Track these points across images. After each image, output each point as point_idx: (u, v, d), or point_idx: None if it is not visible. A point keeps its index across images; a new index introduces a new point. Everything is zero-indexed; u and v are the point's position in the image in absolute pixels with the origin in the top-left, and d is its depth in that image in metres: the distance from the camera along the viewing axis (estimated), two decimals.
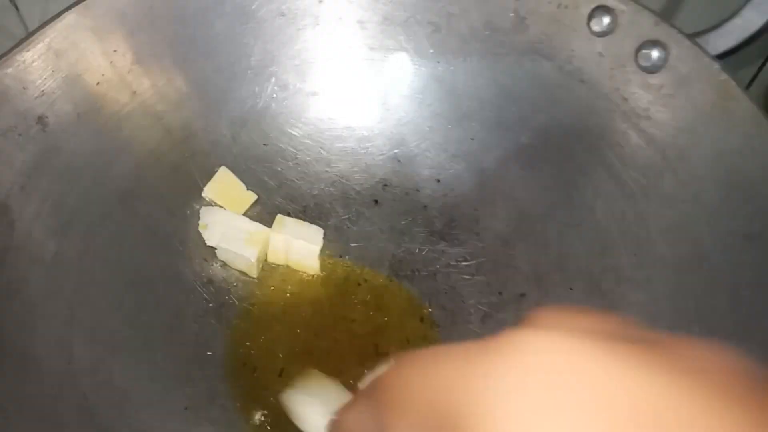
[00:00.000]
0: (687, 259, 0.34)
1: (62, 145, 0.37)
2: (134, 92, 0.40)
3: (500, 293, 0.41)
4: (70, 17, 0.35)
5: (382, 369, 0.17)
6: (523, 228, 0.42)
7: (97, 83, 0.38)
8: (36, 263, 0.34)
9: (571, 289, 0.39)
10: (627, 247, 0.37)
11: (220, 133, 0.44)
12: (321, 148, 0.46)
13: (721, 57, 0.34)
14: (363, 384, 0.20)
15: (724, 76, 0.33)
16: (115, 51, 0.38)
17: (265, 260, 0.42)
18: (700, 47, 0.34)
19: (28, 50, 0.34)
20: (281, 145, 0.45)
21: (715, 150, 0.34)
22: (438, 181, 0.45)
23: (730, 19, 0.34)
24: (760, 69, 0.51)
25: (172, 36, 0.40)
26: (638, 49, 0.37)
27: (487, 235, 0.43)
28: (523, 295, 0.40)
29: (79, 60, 0.37)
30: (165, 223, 0.41)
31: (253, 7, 0.41)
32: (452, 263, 0.42)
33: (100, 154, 0.39)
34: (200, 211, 0.42)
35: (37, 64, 0.35)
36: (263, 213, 0.43)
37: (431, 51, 0.45)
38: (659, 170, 0.36)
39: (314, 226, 0.42)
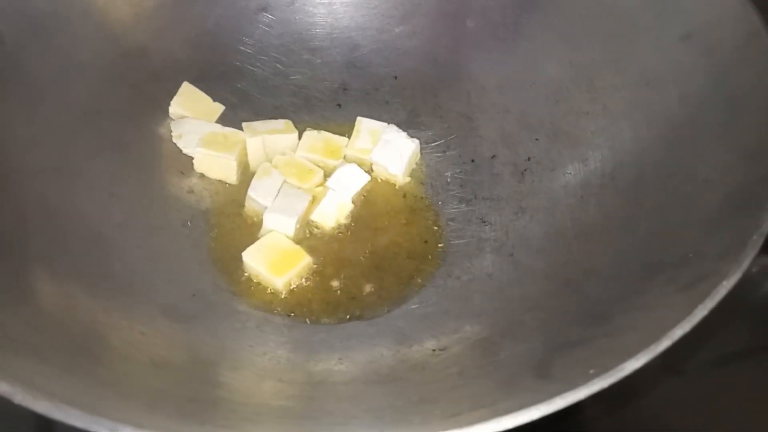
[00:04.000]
0: (633, 78, 0.37)
1: (22, 62, 0.36)
2: (85, 13, 0.40)
3: (473, 160, 0.43)
4: None
5: None
6: (483, 101, 0.45)
7: (51, 2, 0.37)
8: (14, 172, 0.33)
9: (536, 139, 0.42)
10: (580, 88, 0.40)
11: (175, 55, 0.44)
12: (276, 62, 0.47)
13: None
14: None
15: None
16: None
17: (244, 164, 0.42)
18: None
19: None
20: (237, 63, 0.46)
21: None
22: (395, 77, 0.47)
23: None
24: None
25: None
26: None
27: (450, 115, 0.45)
28: (494, 156, 0.43)
29: None
30: (136, 140, 0.41)
31: None
32: (423, 146, 0.44)
33: (59, 73, 0.38)
34: (171, 124, 0.42)
35: None
36: (229, 125, 0.44)
37: None
38: (596, 14, 0.40)
39: (281, 120, 0.43)
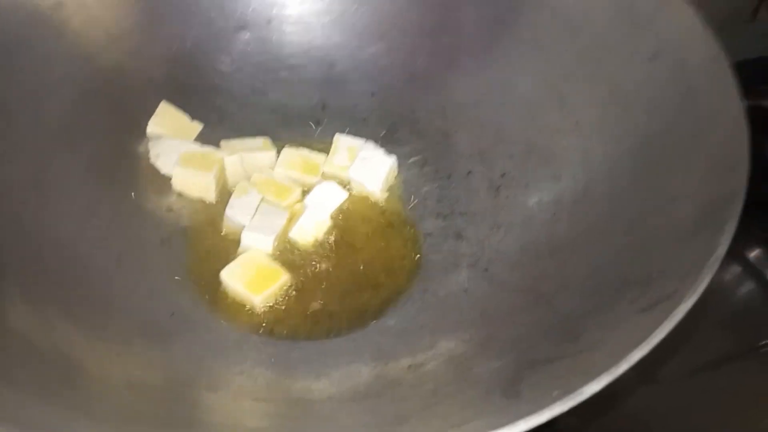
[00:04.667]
0: (604, 95, 0.38)
1: None
2: (60, 34, 0.40)
3: (449, 176, 0.44)
4: None
5: None
6: (459, 117, 0.46)
7: (24, 23, 0.38)
8: None
9: (511, 156, 0.42)
10: (552, 105, 0.41)
11: (153, 73, 0.44)
12: (255, 80, 0.47)
13: None
14: None
15: None
16: None
17: (222, 182, 0.42)
18: None
19: None
20: (215, 81, 0.46)
21: (611, 1, 0.39)
22: (372, 94, 0.48)
23: None
24: None
25: None
26: None
27: (427, 131, 0.46)
28: (470, 172, 0.44)
29: None
30: (114, 159, 0.41)
31: None
32: (401, 161, 0.45)
33: (34, 91, 0.38)
34: (149, 144, 0.42)
35: None
36: (209, 144, 0.44)
37: None
38: (568, 33, 0.41)
39: (259, 138, 0.43)
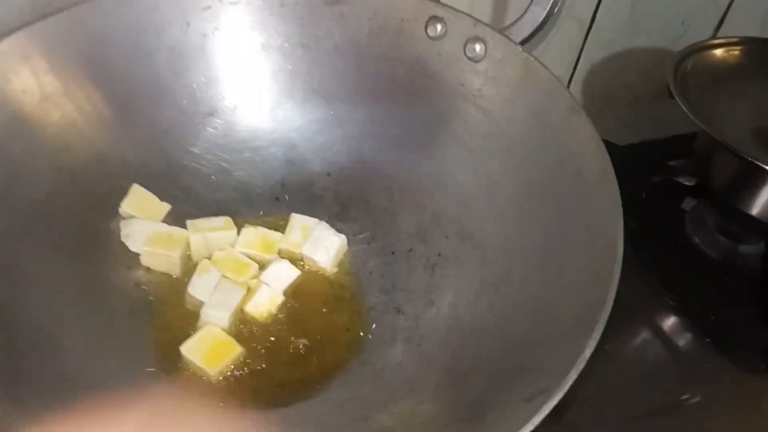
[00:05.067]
0: (523, 191, 0.44)
1: None
2: (44, 127, 0.45)
3: (393, 252, 0.49)
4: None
5: None
6: (403, 199, 0.51)
7: (8, 119, 0.42)
8: None
9: (447, 237, 0.48)
10: (481, 195, 0.47)
11: (127, 157, 0.49)
12: (221, 160, 0.52)
13: (523, 42, 0.46)
14: None
15: (526, 55, 0.45)
16: (23, 91, 0.42)
17: (187, 258, 0.47)
18: (508, 37, 0.46)
19: None
20: (184, 162, 0.51)
21: (529, 109, 0.45)
22: (328, 174, 0.53)
23: (523, 15, 0.46)
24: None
25: (82, 73, 0.45)
26: (465, 45, 0.48)
27: (375, 210, 0.51)
28: (411, 250, 0.49)
29: None
30: (85, 236, 0.45)
31: (146, 45, 0.48)
32: (351, 237, 0.50)
33: (11, 177, 0.42)
34: (120, 224, 0.46)
35: None
36: (176, 221, 0.48)
37: (306, 68, 0.53)
38: (494, 133, 0.47)
39: (221, 218, 0.48)
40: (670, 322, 0.55)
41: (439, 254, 0.47)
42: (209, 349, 0.41)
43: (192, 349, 0.41)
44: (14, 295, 0.38)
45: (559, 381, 0.27)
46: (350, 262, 0.49)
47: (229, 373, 0.41)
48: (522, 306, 0.38)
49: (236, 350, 0.41)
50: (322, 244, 0.48)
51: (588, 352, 0.28)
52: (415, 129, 0.52)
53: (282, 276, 0.46)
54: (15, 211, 0.42)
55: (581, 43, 0.71)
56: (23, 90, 0.42)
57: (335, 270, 0.48)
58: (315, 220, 0.49)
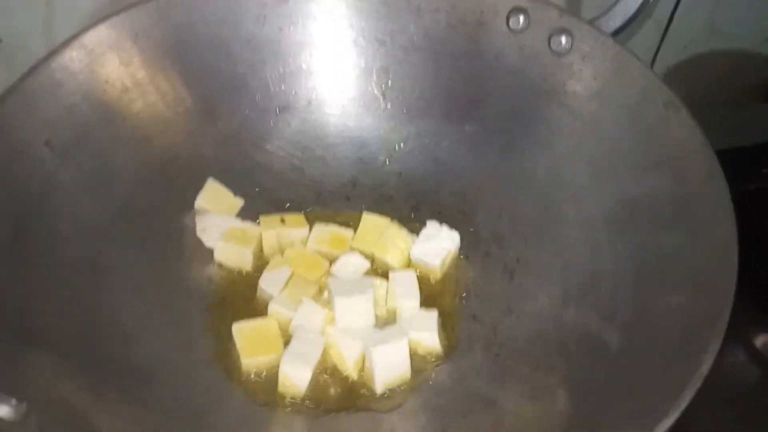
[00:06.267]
0: (613, 195, 0.41)
1: (67, 166, 0.41)
2: (128, 117, 0.45)
3: (467, 257, 0.47)
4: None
5: None
6: (478, 201, 0.49)
7: (93, 109, 0.43)
8: (55, 268, 0.37)
9: (526, 241, 0.45)
10: (565, 197, 0.44)
11: (202, 152, 0.49)
12: (293, 158, 0.52)
13: (615, 34, 0.43)
14: None
15: (618, 48, 0.42)
16: (108, 80, 0.43)
17: (259, 254, 0.46)
18: (597, 29, 0.43)
19: (34, 77, 0.39)
20: (257, 158, 0.51)
21: (620, 106, 0.42)
22: (400, 174, 0.52)
23: (615, 4, 0.43)
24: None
25: (165, 64, 0.45)
26: (550, 38, 0.45)
27: (448, 212, 0.49)
28: (487, 254, 0.47)
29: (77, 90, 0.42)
30: (163, 233, 0.45)
31: (224, 37, 0.48)
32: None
33: (99, 173, 0.43)
34: (196, 218, 0.46)
35: (42, 92, 0.39)
36: (248, 216, 0.48)
37: (380, 64, 0.52)
38: (580, 133, 0.44)
39: (294, 214, 0.47)
40: (763, 340, 0.51)
41: (518, 260, 0.45)
42: (254, 340, 0.39)
43: (242, 331, 0.40)
44: (98, 290, 0.39)
45: (674, 400, 0.25)
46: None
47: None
48: (614, 317, 0.36)
49: (277, 352, 0.40)
50: (435, 244, 0.45)
51: (705, 369, 0.26)
52: (494, 128, 0.49)
53: (353, 267, 0.44)
54: (102, 204, 0.42)
55: (657, 44, 0.67)
56: (108, 79, 0.43)
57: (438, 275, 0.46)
58: (387, 219, 0.48)
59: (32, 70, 0.39)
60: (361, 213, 0.49)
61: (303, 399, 0.39)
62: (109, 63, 0.43)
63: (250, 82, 0.50)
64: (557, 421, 0.33)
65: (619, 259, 0.39)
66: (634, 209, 0.39)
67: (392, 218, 0.49)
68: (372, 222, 0.48)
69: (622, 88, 0.42)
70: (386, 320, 0.43)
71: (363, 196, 0.51)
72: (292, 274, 0.44)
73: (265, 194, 0.50)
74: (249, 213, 0.48)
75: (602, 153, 0.43)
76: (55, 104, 0.41)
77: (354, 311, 0.41)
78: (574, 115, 0.45)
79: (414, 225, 0.49)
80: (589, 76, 0.44)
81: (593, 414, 0.30)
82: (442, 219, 0.49)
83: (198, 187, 0.48)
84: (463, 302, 0.44)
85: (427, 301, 0.44)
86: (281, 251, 0.46)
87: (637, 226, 0.39)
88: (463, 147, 0.50)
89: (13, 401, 0.25)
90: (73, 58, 0.41)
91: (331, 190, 0.51)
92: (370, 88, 0.52)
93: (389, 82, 0.52)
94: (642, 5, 0.41)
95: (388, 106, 0.52)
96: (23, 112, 0.39)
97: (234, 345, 0.40)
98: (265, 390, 0.39)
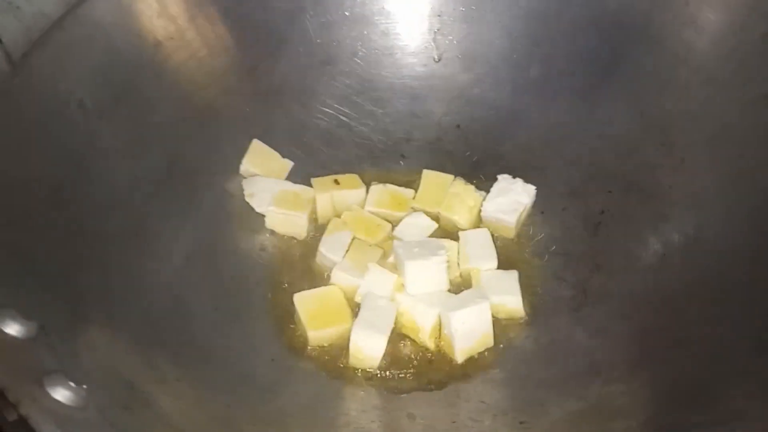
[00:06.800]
0: (712, 133, 0.36)
1: (102, 129, 0.37)
2: (160, 74, 0.41)
3: (542, 212, 0.43)
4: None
5: None
6: (548, 152, 0.44)
7: (127, 64, 0.39)
8: (96, 238, 0.34)
9: (610, 192, 0.41)
10: (653, 140, 0.39)
11: (243, 111, 0.45)
12: (340, 114, 0.47)
13: None
14: None
15: None
16: (154, 26, 0.39)
17: (313, 220, 0.42)
18: None
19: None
20: (302, 117, 0.47)
21: (718, 31, 0.37)
22: (458, 126, 0.47)
23: None
24: None
25: (209, 11, 0.41)
26: None
27: (515, 165, 0.45)
28: (564, 209, 0.42)
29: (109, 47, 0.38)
30: (208, 199, 0.41)
31: None
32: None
33: (135, 137, 0.39)
34: (243, 183, 0.42)
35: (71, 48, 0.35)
36: (298, 180, 0.44)
37: (430, 7, 0.47)
38: (668, 65, 0.39)
39: (349, 175, 0.43)
40: None
41: (602, 212, 0.40)
42: (319, 310, 0.36)
43: (304, 301, 0.36)
44: (146, 259, 0.35)
45: None
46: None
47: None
48: (732, 268, 0.31)
49: (346, 323, 0.36)
50: (509, 199, 0.41)
51: None
52: (560, 68, 0.44)
53: (418, 230, 0.40)
54: (143, 169, 0.39)
55: None
56: (142, 32, 0.39)
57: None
58: (450, 176, 0.44)
59: (58, 23, 0.35)
60: (419, 171, 0.45)
61: (377, 371, 0.35)
62: (142, 14, 0.39)
63: (289, 34, 0.46)
64: (672, 389, 0.28)
65: (729, 205, 0.34)
66: (744, 146, 0.34)
67: (454, 176, 0.44)
68: (434, 179, 0.44)
69: (718, 5, 0.36)
70: (460, 284, 0.39)
71: (419, 152, 0.47)
72: (353, 239, 0.40)
73: (313, 155, 0.46)
74: (298, 176, 0.44)
75: (698, 86, 0.38)
76: (86, 61, 0.37)
77: (426, 275, 0.37)
78: (663, 49, 0.40)
79: (478, 182, 0.44)
80: (680, 2, 0.38)
81: (733, 375, 0.26)
82: (510, 174, 0.45)
83: (242, 150, 0.44)
84: (544, 261, 0.40)
85: (503, 262, 0.40)
86: (337, 215, 0.42)
87: (749, 166, 0.34)
88: (528, 93, 0.46)
89: (72, 384, 0.22)
90: (102, 9, 0.37)
91: (383, 148, 0.47)
92: (420, 35, 0.47)
93: (441, 26, 0.47)
94: None
95: (442, 53, 0.47)
96: (53, 70, 0.35)
97: (297, 317, 0.36)
98: (335, 363, 0.35)
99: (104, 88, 0.38)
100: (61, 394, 0.22)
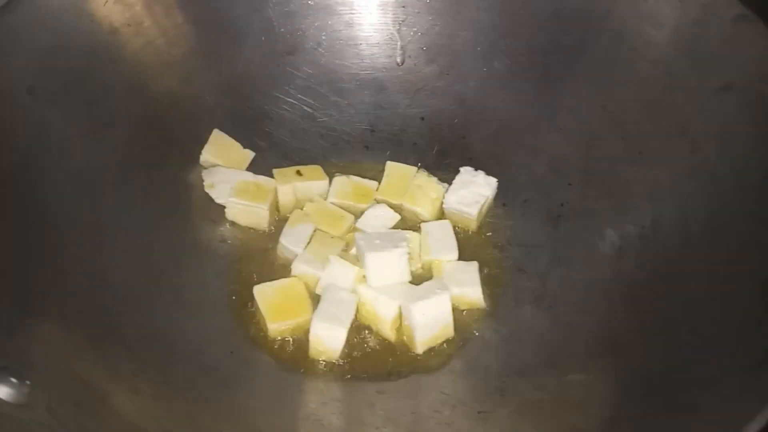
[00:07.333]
0: (669, 126, 0.37)
1: (53, 116, 0.36)
2: (116, 61, 0.40)
3: (504, 204, 0.43)
4: None
5: None
6: (512, 143, 0.45)
7: (82, 50, 0.37)
8: (52, 229, 0.33)
9: (569, 184, 0.41)
10: (613, 133, 0.40)
11: (203, 100, 0.44)
12: (304, 105, 0.47)
13: None
14: None
15: None
16: (109, 13, 0.38)
17: (274, 212, 0.42)
18: None
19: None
20: (265, 107, 0.46)
21: (676, 26, 0.37)
22: (422, 118, 0.47)
23: None
24: None
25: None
26: None
27: (479, 157, 0.45)
28: (526, 201, 0.43)
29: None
30: (167, 190, 0.41)
31: None
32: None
33: (90, 125, 0.38)
34: (203, 173, 0.42)
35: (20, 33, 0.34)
36: (260, 171, 0.43)
37: None
38: (628, 58, 0.40)
39: (311, 166, 0.42)
40: None
41: (563, 204, 0.41)
42: (279, 303, 0.35)
43: (264, 293, 0.36)
44: (101, 251, 0.34)
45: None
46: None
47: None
48: (685, 261, 0.32)
49: (306, 315, 0.36)
50: (470, 192, 0.41)
51: None
52: (527, 62, 0.45)
53: (380, 222, 0.40)
54: (97, 158, 0.38)
55: None
56: (95, 17, 0.37)
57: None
58: (414, 168, 0.44)
59: (5, 6, 0.34)
60: (382, 163, 0.44)
61: (337, 363, 0.35)
62: None
63: (252, 22, 0.45)
64: (630, 380, 0.29)
65: (684, 196, 0.35)
66: (700, 140, 0.35)
67: (418, 167, 0.44)
68: (397, 171, 0.43)
69: (678, 6, 0.37)
70: (421, 276, 0.39)
71: (383, 144, 0.46)
72: (315, 231, 0.40)
73: (275, 146, 0.45)
74: (260, 167, 0.43)
75: (655, 80, 0.39)
76: (35, 45, 0.35)
77: (387, 267, 0.37)
78: (622, 39, 0.40)
79: (442, 174, 0.44)
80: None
81: (686, 366, 0.26)
82: (473, 165, 0.45)
83: (202, 140, 0.43)
84: (505, 253, 0.40)
85: (464, 254, 0.40)
86: (299, 207, 0.42)
87: (707, 155, 0.35)
88: (492, 85, 0.46)
89: (15, 380, 0.21)
90: None
91: (347, 140, 0.47)
92: (384, 26, 0.47)
93: (406, 17, 0.47)
94: None
95: (406, 45, 0.47)
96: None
97: (257, 309, 0.36)
98: (295, 355, 0.35)
99: (55, 74, 0.37)
100: (3, 391, 0.21)
